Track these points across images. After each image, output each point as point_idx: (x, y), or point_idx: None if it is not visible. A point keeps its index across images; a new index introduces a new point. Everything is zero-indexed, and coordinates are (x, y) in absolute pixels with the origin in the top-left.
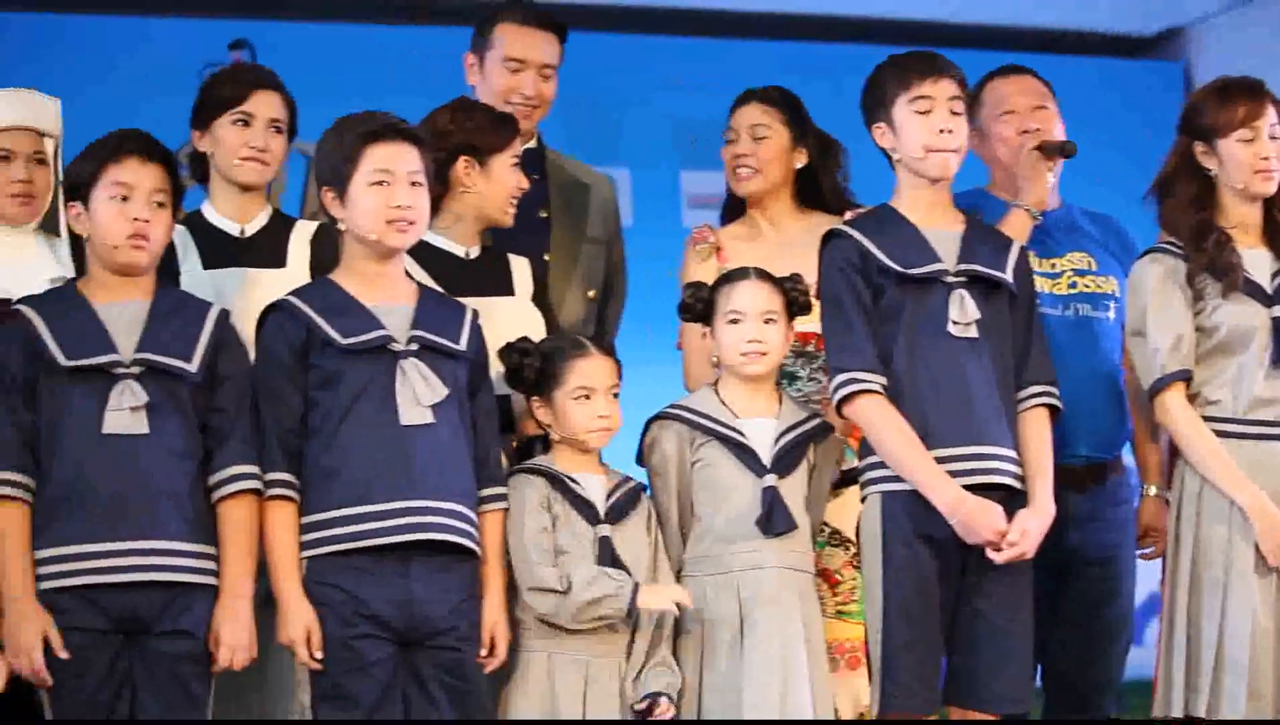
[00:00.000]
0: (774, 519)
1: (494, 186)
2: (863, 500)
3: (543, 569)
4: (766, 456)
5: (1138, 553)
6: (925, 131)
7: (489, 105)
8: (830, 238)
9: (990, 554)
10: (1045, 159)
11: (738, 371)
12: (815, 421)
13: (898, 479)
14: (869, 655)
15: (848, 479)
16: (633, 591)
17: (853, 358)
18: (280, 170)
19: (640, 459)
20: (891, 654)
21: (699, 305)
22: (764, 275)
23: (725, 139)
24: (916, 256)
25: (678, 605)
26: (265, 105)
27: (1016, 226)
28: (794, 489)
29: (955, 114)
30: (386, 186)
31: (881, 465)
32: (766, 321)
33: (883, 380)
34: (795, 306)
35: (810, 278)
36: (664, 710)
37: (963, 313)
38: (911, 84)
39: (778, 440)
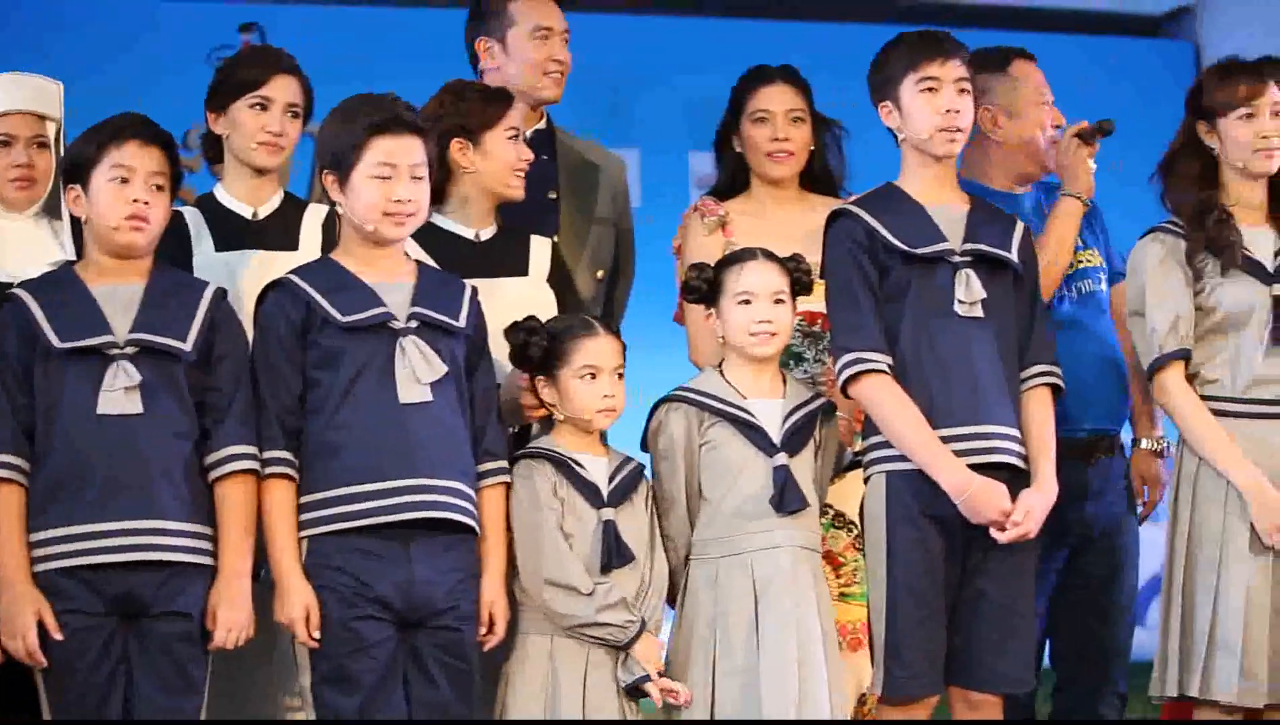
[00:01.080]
0: (786, 497)
1: (491, 162)
2: (866, 480)
3: (569, 565)
4: (776, 436)
5: (1138, 506)
6: (932, 111)
7: (479, 84)
8: (836, 217)
9: (994, 533)
10: (1085, 144)
11: (747, 352)
12: (820, 401)
13: (902, 458)
14: (871, 636)
15: (856, 463)
16: (635, 634)
17: (858, 337)
18: (291, 152)
19: (645, 443)
20: (898, 635)
21: (704, 286)
22: (771, 256)
23: (754, 118)
24: (923, 235)
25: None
26: (283, 90)
27: (1069, 214)
28: (803, 468)
29: (963, 92)
30: (388, 180)
31: (886, 445)
32: (776, 302)
33: (888, 360)
34: (799, 287)
35: (813, 258)
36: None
37: (969, 292)
38: (919, 64)
39: (786, 419)
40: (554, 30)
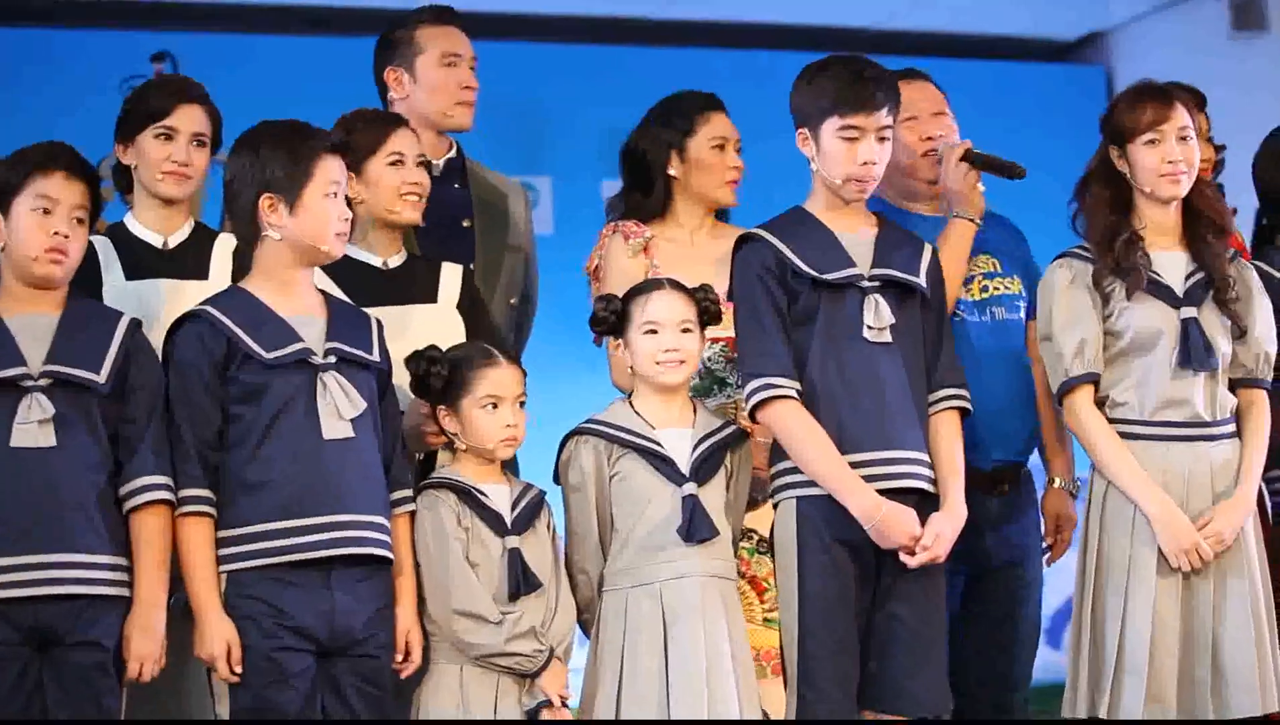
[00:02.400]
0: (695, 527)
1: (374, 190)
2: (775, 507)
3: (477, 594)
4: (685, 465)
5: (1044, 544)
6: (848, 160)
7: (366, 112)
8: (744, 242)
9: (904, 558)
10: (972, 168)
11: (654, 381)
12: (730, 429)
13: (812, 484)
14: (784, 661)
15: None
16: (544, 663)
17: (767, 363)
18: (202, 181)
19: (557, 477)
20: (809, 660)
21: (611, 317)
22: (677, 285)
23: (714, 144)
24: (831, 261)
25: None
26: (189, 119)
27: (961, 236)
28: (713, 497)
29: (882, 140)
30: (337, 198)
31: (795, 471)
32: (683, 331)
33: (797, 386)
34: (707, 316)
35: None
36: (554, 713)
37: (877, 318)
38: (844, 112)
39: (695, 448)
40: (462, 57)
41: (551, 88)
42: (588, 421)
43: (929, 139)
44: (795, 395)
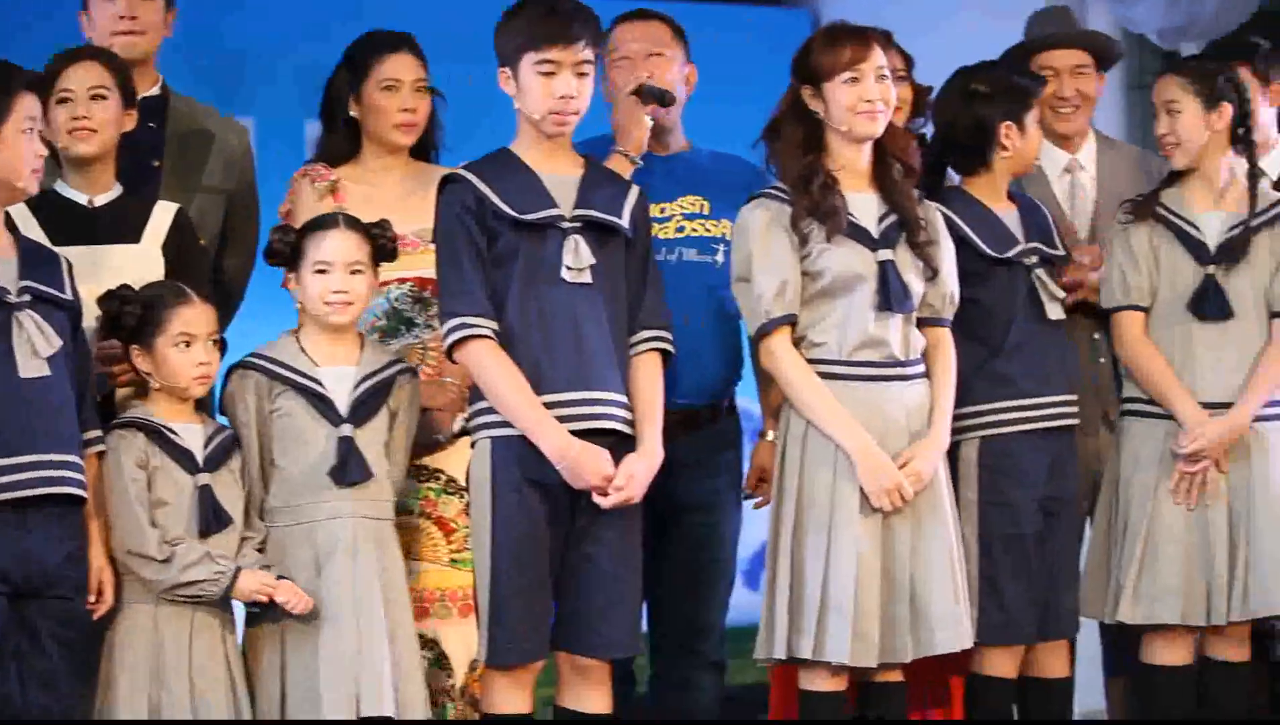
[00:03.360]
0: (348, 468)
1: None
2: (472, 446)
3: (144, 535)
4: (343, 405)
5: (747, 498)
6: (545, 95)
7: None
8: (447, 182)
9: (597, 498)
10: (642, 104)
11: (322, 321)
12: (396, 367)
13: (507, 425)
14: (476, 602)
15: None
16: (231, 578)
17: (464, 302)
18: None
19: (221, 409)
20: (501, 601)
21: (286, 249)
22: (353, 222)
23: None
24: (532, 202)
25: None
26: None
27: (617, 170)
28: (372, 438)
29: (581, 75)
30: (33, 135)
31: (491, 411)
32: (353, 272)
33: (494, 325)
34: (383, 253)
35: (426, 225)
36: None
37: (577, 258)
38: (540, 46)
39: (356, 388)
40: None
41: (254, 26)
42: (252, 355)
43: (635, 79)
44: (492, 335)
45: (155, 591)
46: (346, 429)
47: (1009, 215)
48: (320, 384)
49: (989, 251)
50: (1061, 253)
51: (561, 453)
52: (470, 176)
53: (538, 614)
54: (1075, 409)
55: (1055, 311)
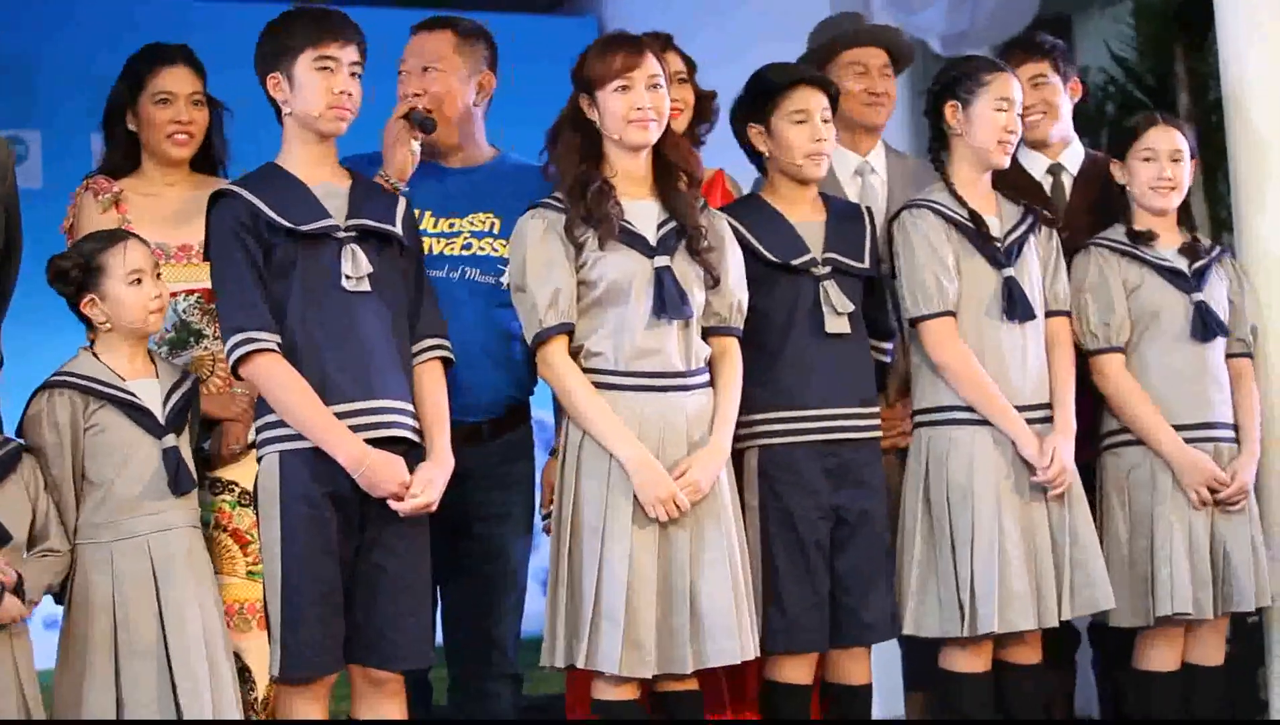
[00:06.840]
0: (180, 478)
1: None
2: (259, 460)
3: None
4: (161, 416)
5: (545, 518)
6: (326, 91)
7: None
8: (218, 198)
9: (394, 505)
10: (411, 128)
11: (142, 330)
12: (190, 380)
13: (296, 437)
14: (267, 613)
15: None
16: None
17: (246, 317)
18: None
19: (20, 430)
20: (292, 613)
21: (78, 271)
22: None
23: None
24: (306, 213)
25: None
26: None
27: None
28: (185, 447)
29: (354, 76)
30: None
31: (279, 424)
32: (158, 276)
33: (277, 338)
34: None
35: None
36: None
37: (355, 267)
38: (321, 42)
39: (167, 399)
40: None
41: (41, 37)
42: (58, 374)
43: (405, 96)
44: (276, 347)
45: None
46: (171, 439)
47: (809, 224)
48: (135, 396)
49: (771, 257)
50: (865, 266)
51: (357, 461)
52: (241, 191)
53: (330, 626)
54: (867, 422)
55: (836, 325)
